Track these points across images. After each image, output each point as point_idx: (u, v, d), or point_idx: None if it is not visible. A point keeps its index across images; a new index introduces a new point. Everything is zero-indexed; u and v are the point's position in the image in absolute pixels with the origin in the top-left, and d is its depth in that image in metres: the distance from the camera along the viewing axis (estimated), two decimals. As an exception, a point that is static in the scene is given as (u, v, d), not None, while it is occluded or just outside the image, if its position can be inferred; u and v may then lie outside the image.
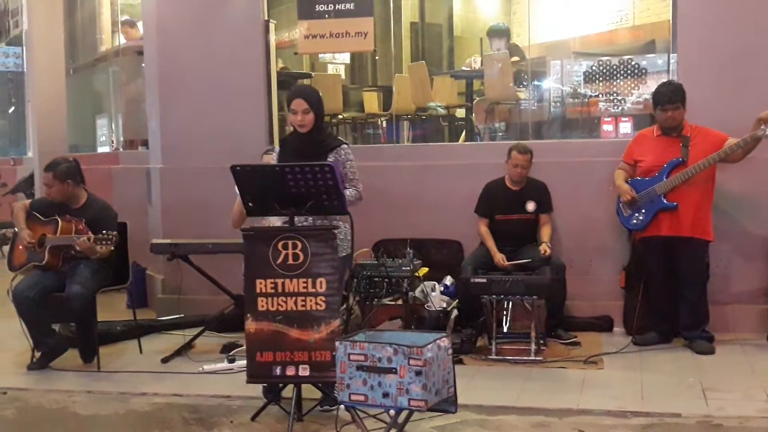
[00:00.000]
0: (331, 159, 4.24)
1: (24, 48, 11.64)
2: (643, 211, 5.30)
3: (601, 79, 6.59)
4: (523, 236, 5.69)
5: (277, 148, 4.48)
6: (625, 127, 6.50)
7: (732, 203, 5.59)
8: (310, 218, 4.19)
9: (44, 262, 5.13)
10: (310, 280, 3.97)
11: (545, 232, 5.66)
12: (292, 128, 4.36)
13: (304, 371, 3.97)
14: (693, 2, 5.75)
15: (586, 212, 5.92)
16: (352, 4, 6.38)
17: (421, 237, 6.03)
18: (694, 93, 5.32)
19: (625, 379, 4.79)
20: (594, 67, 6.63)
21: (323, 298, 3.97)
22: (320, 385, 4.14)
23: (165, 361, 5.28)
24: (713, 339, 5.33)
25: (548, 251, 5.46)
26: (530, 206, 5.69)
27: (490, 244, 5.65)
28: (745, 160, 5.10)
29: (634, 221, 5.36)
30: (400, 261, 5.40)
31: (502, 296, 5.19)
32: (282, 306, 3.99)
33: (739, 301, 5.64)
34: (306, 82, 8.07)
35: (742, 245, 5.67)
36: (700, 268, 5.34)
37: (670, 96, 5.19)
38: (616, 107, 6.51)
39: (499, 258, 5.54)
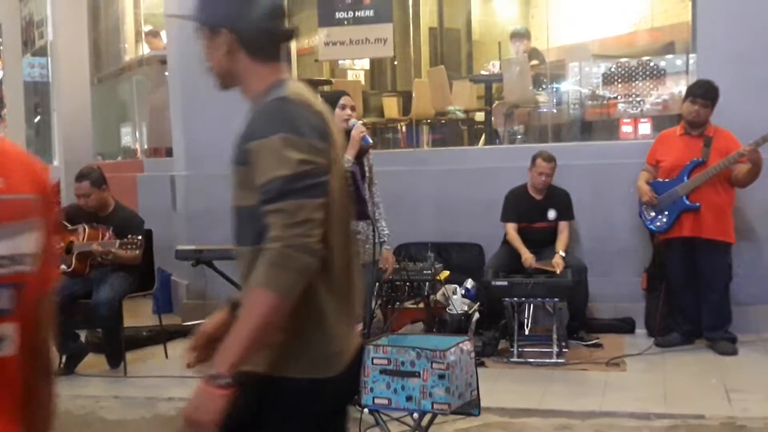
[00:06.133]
0: (365, 160, 4.41)
1: (49, 58, 11.80)
2: (666, 212, 5.30)
3: (620, 80, 6.59)
4: (544, 242, 5.68)
5: None
6: (645, 128, 6.50)
7: (755, 204, 5.57)
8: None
9: (71, 269, 5.22)
10: (332, 285, 4.01)
11: (561, 241, 5.60)
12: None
13: (328, 375, 4.01)
14: (712, 3, 5.75)
15: (607, 214, 5.92)
16: (371, 11, 6.44)
17: (442, 240, 6.05)
18: (713, 94, 5.31)
19: (647, 380, 4.79)
20: (613, 69, 6.63)
21: (346, 303, 4.01)
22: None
23: (191, 365, 5.34)
24: (736, 340, 5.31)
25: (560, 266, 5.37)
26: (551, 214, 5.68)
27: (519, 245, 5.62)
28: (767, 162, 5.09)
29: (658, 223, 5.36)
30: (421, 264, 5.43)
31: (523, 299, 5.21)
32: (305, 311, 4.03)
33: (761, 302, 5.62)
34: (326, 88, 8.13)
35: (765, 246, 5.65)
36: (722, 270, 5.32)
37: (705, 90, 5.20)
38: (635, 109, 6.51)
39: (529, 257, 5.51)
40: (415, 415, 3.32)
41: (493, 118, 7.74)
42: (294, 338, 1.79)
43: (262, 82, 1.91)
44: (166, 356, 5.62)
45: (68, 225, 5.37)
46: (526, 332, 5.39)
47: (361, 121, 4.48)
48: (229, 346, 1.73)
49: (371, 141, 4.44)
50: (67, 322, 5.23)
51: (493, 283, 5.29)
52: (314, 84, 8.10)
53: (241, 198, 1.83)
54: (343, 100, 4.42)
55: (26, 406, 1.33)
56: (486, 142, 7.66)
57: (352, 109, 4.43)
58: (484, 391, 3.43)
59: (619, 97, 6.61)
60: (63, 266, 5.26)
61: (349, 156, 4.31)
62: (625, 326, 5.83)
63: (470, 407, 3.36)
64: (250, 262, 1.79)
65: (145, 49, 9.51)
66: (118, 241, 5.06)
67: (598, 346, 5.46)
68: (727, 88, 5.28)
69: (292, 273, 1.70)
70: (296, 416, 1.83)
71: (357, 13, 6.47)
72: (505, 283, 5.23)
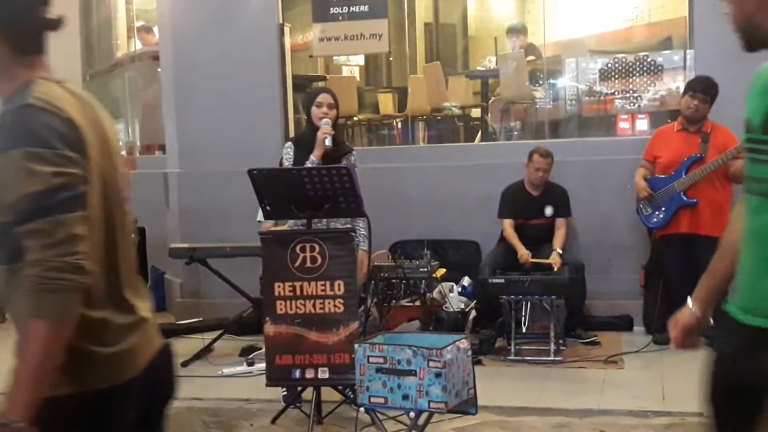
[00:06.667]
0: (343, 163, 4.31)
1: (41, 55, 11.72)
2: (663, 209, 5.28)
3: (617, 76, 6.55)
4: (541, 238, 5.64)
5: (288, 144, 4.50)
6: (642, 124, 6.46)
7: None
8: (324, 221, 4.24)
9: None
10: (328, 283, 3.97)
11: (558, 238, 5.58)
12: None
13: (323, 374, 3.98)
14: (709, -2, 5.72)
15: (605, 211, 5.89)
16: (366, 6, 6.39)
17: (438, 238, 6.02)
18: (711, 89, 5.27)
19: (645, 378, 4.77)
20: (610, 65, 6.59)
21: (341, 301, 3.98)
22: (340, 387, 4.15)
23: (184, 365, 5.30)
24: (734, 337, 5.28)
25: (557, 263, 5.36)
26: (548, 211, 5.65)
27: (515, 241, 5.60)
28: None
29: (655, 219, 5.33)
30: (417, 262, 5.39)
31: (520, 296, 5.18)
32: (300, 309, 4.00)
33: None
34: (321, 84, 8.09)
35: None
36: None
37: (705, 86, 5.18)
38: (632, 105, 6.48)
39: (525, 254, 5.49)
40: (412, 414, 3.28)
41: (489, 114, 7.71)
42: (70, 354, 1.63)
43: (16, 80, 1.71)
44: (160, 355, 5.56)
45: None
46: (524, 330, 5.34)
47: (334, 121, 4.39)
48: (18, 389, 1.58)
49: (331, 144, 4.31)
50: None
51: (489, 280, 5.25)
52: (309, 80, 8.06)
53: None
54: (319, 98, 4.36)
55: None
56: (482, 139, 7.63)
57: (329, 107, 4.35)
58: (481, 390, 3.40)
59: (616, 93, 6.57)
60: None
61: (314, 157, 4.27)
62: (623, 324, 5.80)
63: (467, 406, 3.33)
64: (7, 281, 1.66)
65: (137, 45, 9.45)
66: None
67: (595, 343, 5.44)
68: (724, 83, 5.24)
69: (61, 295, 1.57)
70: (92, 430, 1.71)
71: (352, 9, 6.42)
72: (502, 280, 5.20)
